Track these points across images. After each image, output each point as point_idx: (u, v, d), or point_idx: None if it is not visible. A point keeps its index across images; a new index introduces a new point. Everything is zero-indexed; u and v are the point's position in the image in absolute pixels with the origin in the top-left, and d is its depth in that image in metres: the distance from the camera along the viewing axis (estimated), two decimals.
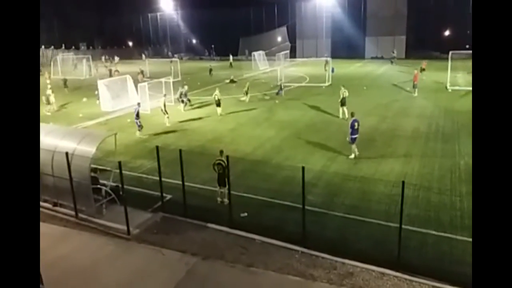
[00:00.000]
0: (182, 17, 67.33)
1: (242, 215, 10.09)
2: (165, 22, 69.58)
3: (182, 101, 23.76)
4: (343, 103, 20.03)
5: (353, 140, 14.31)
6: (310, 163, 13.32)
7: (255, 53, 45.20)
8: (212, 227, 9.69)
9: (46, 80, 31.25)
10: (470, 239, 8.58)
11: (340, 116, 19.91)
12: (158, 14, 68.92)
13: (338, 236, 9.19)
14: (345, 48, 51.76)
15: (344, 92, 20.14)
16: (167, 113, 20.00)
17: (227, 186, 10.18)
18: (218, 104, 21.82)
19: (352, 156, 14.28)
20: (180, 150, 10.05)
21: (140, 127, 18.29)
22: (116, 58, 54.17)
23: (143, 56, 56.04)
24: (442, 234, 9.03)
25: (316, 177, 12.31)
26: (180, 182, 10.20)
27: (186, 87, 24.55)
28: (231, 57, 50.35)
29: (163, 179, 10.58)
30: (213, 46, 63.37)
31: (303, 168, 8.60)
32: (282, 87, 27.72)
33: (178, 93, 24.06)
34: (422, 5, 49.89)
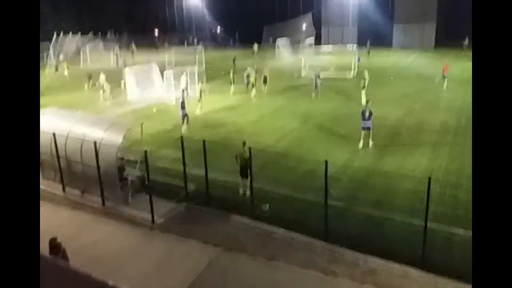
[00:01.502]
0: (207, 5, 67.16)
1: (264, 207, 10.14)
2: (190, 9, 69.67)
3: (248, 84, 24.79)
4: (364, 87, 20.45)
5: (363, 128, 14.37)
6: (333, 156, 13.12)
7: (279, 40, 44.46)
8: (235, 219, 9.80)
9: (64, 71, 32.42)
10: None
11: (363, 101, 19.47)
12: (184, 1, 69.02)
13: (361, 232, 9.11)
14: (372, 36, 50.26)
15: (365, 77, 20.90)
16: (201, 101, 20.22)
17: (249, 178, 10.23)
18: (253, 85, 23.47)
19: (361, 145, 14.30)
20: (204, 141, 10.16)
21: (185, 118, 17.72)
22: (134, 46, 52.96)
23: (166, 44, 56.10)
24: (470, 233, 8.76)
25: (339, 171, 12.17)
26: (204, 173, 10.34)
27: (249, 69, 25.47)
28: (255, 46, 49.87)
29: (187, 169, 10.74)
30: (237, 33, 63.05)
31: (326, 162, 8.52)
32: (318, 84, 23.36)
33: (245, 74, 25.59)
34: None
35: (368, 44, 43.23)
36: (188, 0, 67.96)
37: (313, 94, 22.99)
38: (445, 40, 44.88)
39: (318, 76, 23.58)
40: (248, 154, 10.03)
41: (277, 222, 9.39)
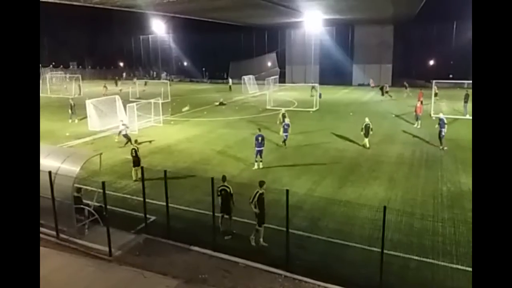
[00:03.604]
0: (174, 40, 68.32)
1: (226, 237, 10.04)
2: (156, 44, 70.42)
3: None
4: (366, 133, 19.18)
5: (256, 152, 15.95)
6: (295, 186, 13.43)
7: (245, 77, 46.04)
8: (195, 250, 9.59)
9: None
10: (451, 265, 8.74)
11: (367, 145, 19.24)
12: (150, 36, 69.81)
13: (321, 260, 9.19)
14: (333, 74, 52.99)
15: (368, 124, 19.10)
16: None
17: (232, 214, 10.14)
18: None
19: (255, 167, 15.84)
20: (165, 171, 10.06)
21: (127, 140, 19.11)
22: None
23: (134, 78, 56.09)
24: (424, 259, 9.11)
25: (301, 200, 12.38)
26: (165, 204, 10.15)
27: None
28: (231, 80, 51.09)
29: (147, 200, 10.50)
30: (204, 69, 64.29)
31: (287, 191, 8.69)
32: (286, 137, 19.74)
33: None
34: (407, 36, 51.83)
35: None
36: (155, 35, 68.84)
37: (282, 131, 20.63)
38: (399, 79, 48.07)
39: (284, 116, 21.66)
40: (230, 189, 10.06)
41: (238, 253, 9.30)
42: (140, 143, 17.97)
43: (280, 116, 22.18)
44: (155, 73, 68.97)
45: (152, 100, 25.87)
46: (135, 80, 49.23)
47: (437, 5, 41.84)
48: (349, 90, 48.54)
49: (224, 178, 10.46)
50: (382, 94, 39.50)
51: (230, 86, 49.08)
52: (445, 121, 19.19)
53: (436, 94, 30.21)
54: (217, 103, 35.18)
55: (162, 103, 27.81)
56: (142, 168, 10.61)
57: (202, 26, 53.54)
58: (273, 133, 22.36)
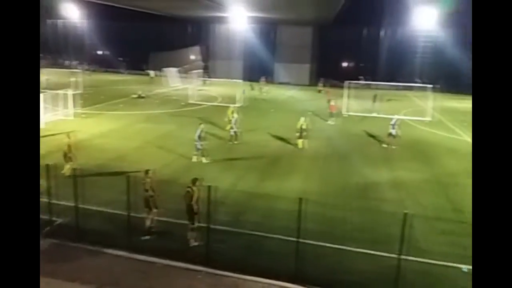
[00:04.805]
0: (90, 28, 63.05)
1: (143, 238, 9.59)
2: (67, 30, 64.27)
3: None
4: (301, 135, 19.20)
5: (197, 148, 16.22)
6: (219, 181, 13.37)
7: (167, 69, 44.43)
8: (109, 253, 8.99)
9: None
10: (359, 249, 9.51)
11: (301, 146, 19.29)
12: (59, 22, 63.48)
13: (242, 253, 9.30)
14: (256, 71, 54.01)
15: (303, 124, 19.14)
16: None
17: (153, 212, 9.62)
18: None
19: (195, 159, 16.14)
20: (74, 169, 9.24)
21: None
22: None
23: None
24: (336, 246, 9.77)
25: (223, 196, 12.34)
26: (74, 204, 9.32)
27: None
28: (152, 72, 48.60)
29: (55, 201, 9.54)
30: (121, 59, 60.53)
31: (209, 187, 8.62)
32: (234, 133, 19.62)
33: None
34: (324, 39, 55.11)
35: (264, 79, 45.96)
36: (65, 20, 62.82)
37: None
38: (316, 78, 50.95)
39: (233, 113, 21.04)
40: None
41: (157, 252, 8.95)
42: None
43: (229, 112, 21.89)
44: (65, 61, 62.95)
45: (61, 91, 23.56)
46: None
47: (354, 11, 45.08)
48: (271, 87, 49.95)
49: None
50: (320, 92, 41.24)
51: (151, 78, 47.00)
52: (396, 122, 19.83)
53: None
54: (136, 96, 33.43)
55: (74, 95, 25.51)
56: (47, 165, 9.56)
57: (121, 14, 50.24)
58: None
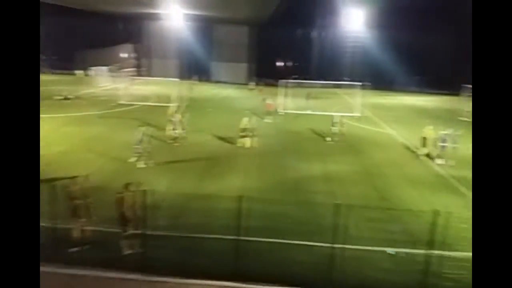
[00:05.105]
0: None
1: (71, 250, 8.86)
2: None
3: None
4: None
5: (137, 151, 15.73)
6: (157, 184, 12.86)
7: (95, 68, 41.81)
8: None
9: None
10: (299, 242, 9.77)
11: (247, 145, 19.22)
12: None
13: (180, 257, 9.03)
14: (193, 70, 53.10)
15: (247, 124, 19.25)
16: None
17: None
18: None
19: (134, 159, 15.61)
20: None
21: None
22: None
23: None
24: (276, 240, 9.94)
25: (161, 199, 11.90)
26: None
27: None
28: (79, 72, 45.20)
29: None
30: (44, 57, 55.55)
31: (144, 191, 8.24)
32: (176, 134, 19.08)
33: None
34: (260, 38, 55.93)
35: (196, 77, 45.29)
36: None
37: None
38: (252, 77, 51.53)
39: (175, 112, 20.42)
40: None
41: (88, 264, 8.33)
42: None
43: (171, 112, 20.94)
44: None
45: None
46: None
47: (289, 11, 46.25)
48: (208, 86, 49.48)
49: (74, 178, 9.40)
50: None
51: (78, 78, 43.85)
52: (336, 120, 21.26)
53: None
54: (61, 97, 30.93)
55: None
56: None
57: (44, 9, 46.00)
58: (131, 130, 21.01)
